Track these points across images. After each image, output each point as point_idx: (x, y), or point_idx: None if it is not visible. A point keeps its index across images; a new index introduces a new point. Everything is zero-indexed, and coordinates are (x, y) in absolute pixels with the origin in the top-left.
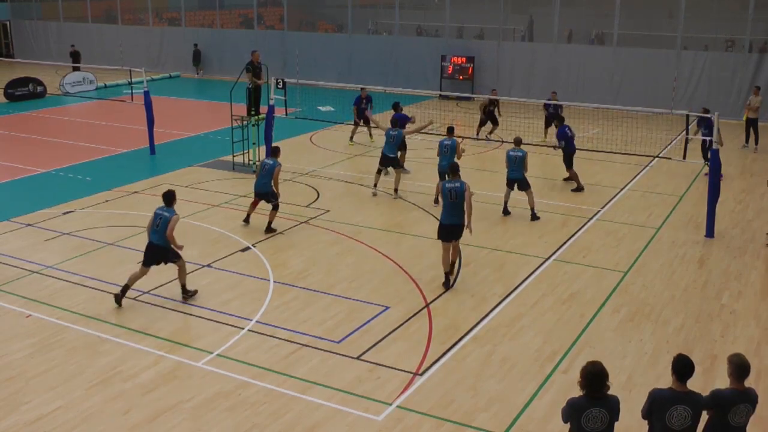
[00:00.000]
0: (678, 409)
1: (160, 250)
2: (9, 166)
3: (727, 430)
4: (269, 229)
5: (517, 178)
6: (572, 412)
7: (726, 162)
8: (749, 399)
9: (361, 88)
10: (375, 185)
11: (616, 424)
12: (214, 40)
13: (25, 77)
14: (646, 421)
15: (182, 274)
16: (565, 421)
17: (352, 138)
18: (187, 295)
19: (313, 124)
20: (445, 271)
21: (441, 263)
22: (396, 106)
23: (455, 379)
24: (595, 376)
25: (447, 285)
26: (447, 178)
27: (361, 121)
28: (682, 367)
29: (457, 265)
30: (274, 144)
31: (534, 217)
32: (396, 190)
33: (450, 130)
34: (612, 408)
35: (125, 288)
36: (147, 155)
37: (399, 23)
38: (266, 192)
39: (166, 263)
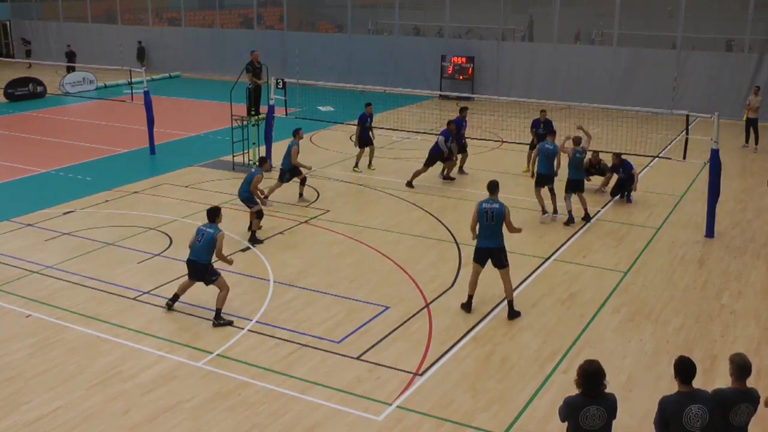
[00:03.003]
0: (693, 409)
1: (199, 267)
2: (9, 166)
3: (728, 430)
4: (253, 239)
5: (578, 179)
6: (570, 410)
7: (726, 162)
8: (750, 399)
9: (367, 104)
10: (266, 196)
11: (615, 423)
12: (214, 40)
13: (25, 77)
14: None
15: (222, 298)
16: (563, 420)
17: (357, 164)
18: (219, 322)
19: (313, 124)
20: (469, 293)
21: (468, 284)
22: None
23: (455, 379)
24: (591, 375)
25: (468, 308)
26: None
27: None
28: (685, 368)
29: (512, 293)
30: (263, 155)
31: (587, 218)
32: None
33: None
34: (609, 406)
35: (175, 296)
36: (147, 155)
37: (399, 23)
38: (244, 198)
39: (206, 284)
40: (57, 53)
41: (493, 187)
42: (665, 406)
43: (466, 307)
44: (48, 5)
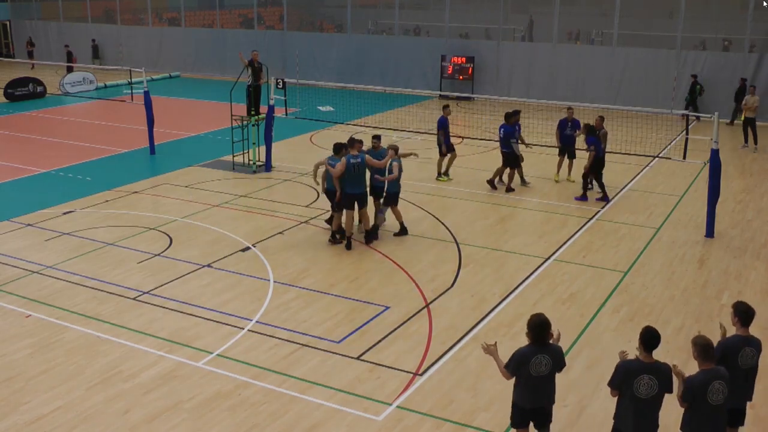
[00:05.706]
0: (644, 378)
1: (329, 194)
2: (9, 166)
3: (706, 411)
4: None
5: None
6: (522, 359)
7: (726, 162)
8: (721, 376)
9: (444, 106)
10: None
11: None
12: (214, 40)
13: (25, 77)
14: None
15: (338, 223)
16: (513, 374)
17: (447, 172)
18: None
19: (313, 124)
20: (348, 234)
21: (346, 227)
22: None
23: (455, 379)
24: (539, 326)
25: (348, 246)
26: (346, 151)
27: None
28: (650, 338)
29: (369, 224)
30: (338, 142)
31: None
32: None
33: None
34: (554, 355)
35: (333, 234)
36: (147, 155)
37: (399, 23)
38: (331, 190)
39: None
40: (57, 53)
41: (352, 141)
42: (625, 369)
43: (348, 245)
44: (48, 5)
